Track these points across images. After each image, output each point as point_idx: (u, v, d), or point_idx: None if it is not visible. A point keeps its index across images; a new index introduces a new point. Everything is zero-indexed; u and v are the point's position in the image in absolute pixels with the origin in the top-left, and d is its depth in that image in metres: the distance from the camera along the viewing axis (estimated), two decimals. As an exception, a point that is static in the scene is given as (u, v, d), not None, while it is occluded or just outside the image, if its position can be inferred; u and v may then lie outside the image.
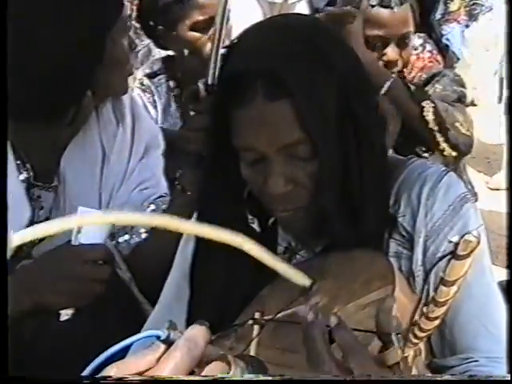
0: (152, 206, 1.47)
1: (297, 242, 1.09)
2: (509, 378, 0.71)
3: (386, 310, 0.77)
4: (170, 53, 2.17)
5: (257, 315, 0.91)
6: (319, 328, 0.75)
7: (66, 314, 1.27)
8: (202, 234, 0.68)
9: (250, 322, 0.91)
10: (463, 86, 1.96)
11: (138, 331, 1.14)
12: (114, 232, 1.41)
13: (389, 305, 0.78)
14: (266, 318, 0.91)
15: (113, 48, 1.35)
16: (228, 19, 1.41)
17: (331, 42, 1.01)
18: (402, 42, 1.88)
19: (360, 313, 0.84)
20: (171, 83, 2.11)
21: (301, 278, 0.64)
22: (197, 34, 2.02)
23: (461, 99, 1.93)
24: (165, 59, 2.20)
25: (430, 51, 2.02)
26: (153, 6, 2.04)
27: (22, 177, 1.40)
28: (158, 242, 1.40)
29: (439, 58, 2.04)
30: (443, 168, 1.06)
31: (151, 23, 2.08)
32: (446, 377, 0.91)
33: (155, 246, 1.40)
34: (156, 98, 2.11)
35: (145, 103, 2.08)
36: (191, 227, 0.71)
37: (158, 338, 0.65)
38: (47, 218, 1.41)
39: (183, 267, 1.14)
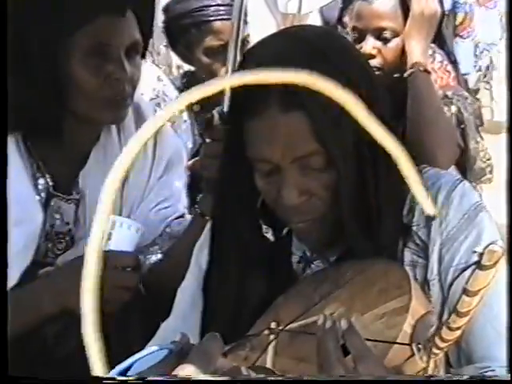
0: (167, 229, 1.47)
1: (311, 252, 1.09)
2: (509, 378, 0.71)
3: (427, 325, 0.78)
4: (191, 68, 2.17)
5: (273, 325, 0.91)
6: (334, 335, 0.76)
7: None
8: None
9: (266, 331, 0.91)
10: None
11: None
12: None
13: (430, 321, 0.79)
14: (281, 327, 0.91)
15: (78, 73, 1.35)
16: (242, 49, 1.42)
17: (345, 53, 1.01)
18: (381, 37, 1.85)
19: (377, 322, 0.84)
20: None
21: (427, 204, 0.62)
22: (208, 60, 2.02)
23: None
24: (185, 75, 2.19)
25: (441, 61, 2.01)
26: (175, 24, 2.05)
27: (40, 185, 1.41)
28: (174, 260, 1.41)
29: (450, 68, 2.03)
30: (457, 177, 1.06)
31: (175, 41, 2.08)
32: (447, 377, 0.91)
33: (172, 264, 1.41)
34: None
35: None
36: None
37: (171, 351, 0.65)
38: (69, 230, 1.43)
39: (197, 276, 1.14)
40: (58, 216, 1.43)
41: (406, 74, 1.82)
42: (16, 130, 1.37)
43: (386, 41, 1.86)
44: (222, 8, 1.98)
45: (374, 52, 1.84)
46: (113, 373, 0.62)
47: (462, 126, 1.89)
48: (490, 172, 1.97)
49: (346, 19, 1.95)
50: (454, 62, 2.04)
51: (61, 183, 1.43)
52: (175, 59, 2.27)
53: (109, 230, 1.29)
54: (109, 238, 1.29)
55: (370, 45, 1.84)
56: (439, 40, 1.96)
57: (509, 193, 0.77)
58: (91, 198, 1.42)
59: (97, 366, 0.53)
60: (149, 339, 1.18)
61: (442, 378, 0.87)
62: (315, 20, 2.82)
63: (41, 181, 1.41)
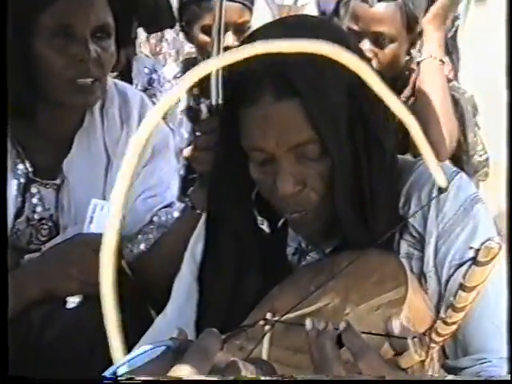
0: (155, 218, 1.47)
1: (307, 243, 1.08)
2: (509, 378, 0.71)
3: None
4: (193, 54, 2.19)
5: (268, 315, 0.91)
6: (329, 335, 0.75)
7: (73, 302, 1.29)
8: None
9: (262, 322, 0.90)
10: None
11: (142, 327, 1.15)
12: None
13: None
14: (276, 318, 0.90)
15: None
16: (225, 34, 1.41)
17: (342, 43, 1.00)
18: (377, 41, 1.85)
19: (373, 314, 0.84)
20: None
21: (439, 175, 0.60)
22: (206, 38, 2.04)
23: None
24: (185, 60, 2.21)
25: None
26: (180, 2, 2.09)
27: (19, 171, 1.42)
28: (163, 251, 1.41)
29: (447, 59, 2.02)
30: (454, 169, 1.06)
31: (179, 17, 2.12)
32: (449, 377, 0.91)
33: (159, 255, 1.42)
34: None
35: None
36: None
37: (169, 347, 0.64)
38: (51, 216, 1.44)
39: (192, 268, 1.14)
40: (38, 202, 1.43)
41: (419, 59, 1.83)
42: None
43: (382, 45, 1.85)
44: None
45: (370, 55, 1.83)
46: (110, 369, 0.61)
47: (462, 119, 1.90)
48: (487, 166, 1.97)
49: (341, 12, 1.94)
50: (451, 53, 2.05)
51: (42, 169, 1.44)
52: (187, 45, 2.29)
53: (90, 214, 1.33)
54: (90, 222, 1.32)
55: (366, 48, 1.83)
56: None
57: (509, 189, 0.76)
58: (75, 183, 1.42)
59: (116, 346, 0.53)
60: (136, 326, 1.18)
61: (443, 378, 0.87)
62: (311, 11, 2.82)
63: (20, 166, 1.42)
